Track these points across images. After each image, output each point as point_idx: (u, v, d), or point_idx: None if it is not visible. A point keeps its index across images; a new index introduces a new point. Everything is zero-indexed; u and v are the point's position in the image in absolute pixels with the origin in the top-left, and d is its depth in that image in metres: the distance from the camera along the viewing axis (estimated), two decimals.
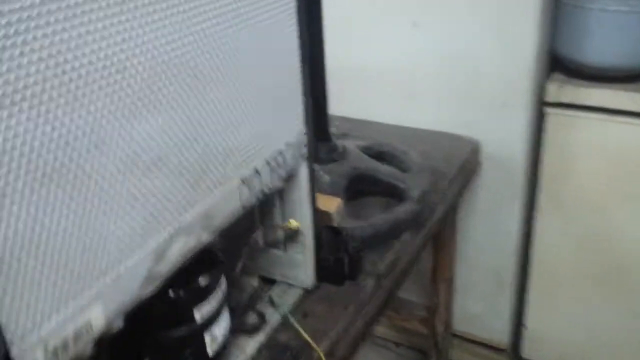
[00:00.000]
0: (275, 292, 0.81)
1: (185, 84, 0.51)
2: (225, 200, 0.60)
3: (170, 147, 0.51)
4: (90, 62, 0.42)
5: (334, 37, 0.95)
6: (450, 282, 1.37)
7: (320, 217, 0.92)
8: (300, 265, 0.80)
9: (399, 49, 1.29)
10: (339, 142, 1.07)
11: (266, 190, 0.67)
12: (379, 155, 1.15)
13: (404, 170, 1.10)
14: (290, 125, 0.69)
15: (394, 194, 1.03)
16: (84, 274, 0.45)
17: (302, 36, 0.67)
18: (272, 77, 0.64)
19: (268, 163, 0.66)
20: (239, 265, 0.78)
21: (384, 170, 1.04)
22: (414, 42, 1.27)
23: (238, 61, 0.58)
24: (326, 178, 0.98)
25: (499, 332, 1.47)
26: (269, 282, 0.84)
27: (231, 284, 0.72)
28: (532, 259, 1.38)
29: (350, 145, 1.10)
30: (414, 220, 0.97)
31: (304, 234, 0.78)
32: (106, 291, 0.48)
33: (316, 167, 0.99)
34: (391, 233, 0.94)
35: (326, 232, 0.89)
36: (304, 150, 0.73)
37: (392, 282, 0.91)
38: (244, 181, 0.62)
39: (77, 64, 0.41)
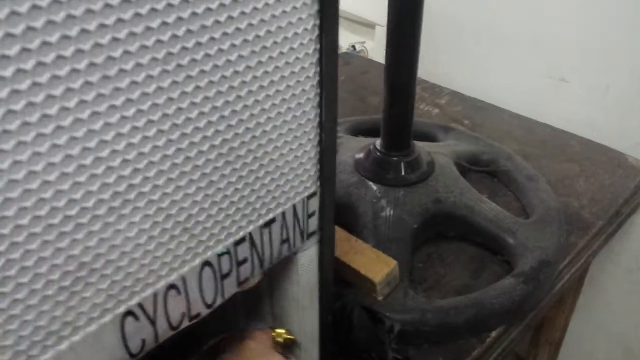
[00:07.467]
0: None
1: None
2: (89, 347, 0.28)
3: None
4: None
5: None
6: (557, 346, 0.98)
7: (357, 284, 0.58)
8: None
9: (560, 8, 0.85)
10: (426, 151, 0.69)
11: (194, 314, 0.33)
12: (489, 173, 0.76)
13: (522, 210, 0.70)
14: (280, 182, 0.34)
15: (495, 250, 0.66)
16: None
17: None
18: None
19: (210, 265, 0.32)
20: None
21: (485, 210, 0.65)
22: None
23: None
24: (388, 212, 0.62)
25: None
26: None
27: None
28: None
29: (444, 155, 0.71)
30: (513, 310, 0.59)
31: (302, 349, 0.44)
32: None
33: (378, 191, 0.63)
34: (469, 327, 0.58)
35: (359, 315, 0.55)
36: (311, 226, 0.37)
37: None
38: (136, 312, 0.29)
39: None
